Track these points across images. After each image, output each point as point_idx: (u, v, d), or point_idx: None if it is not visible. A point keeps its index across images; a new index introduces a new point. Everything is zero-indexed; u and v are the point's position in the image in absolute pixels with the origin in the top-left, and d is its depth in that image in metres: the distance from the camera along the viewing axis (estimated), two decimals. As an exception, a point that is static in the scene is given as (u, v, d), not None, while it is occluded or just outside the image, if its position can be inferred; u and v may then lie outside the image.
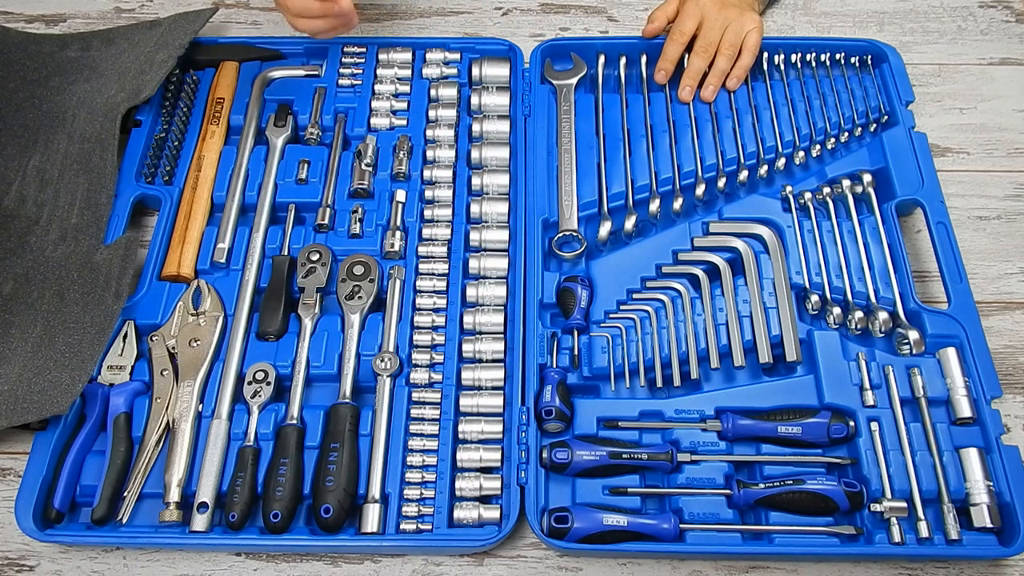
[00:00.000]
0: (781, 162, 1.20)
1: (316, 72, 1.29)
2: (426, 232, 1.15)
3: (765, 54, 1.29)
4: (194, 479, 0.97)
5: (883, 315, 1.05)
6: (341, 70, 1.28)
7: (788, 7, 1.44)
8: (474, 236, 1.15)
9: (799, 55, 1.30)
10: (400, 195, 1.17)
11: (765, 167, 1.21)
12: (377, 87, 1.28)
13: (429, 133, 1.24)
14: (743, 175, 1.19)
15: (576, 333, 1.07)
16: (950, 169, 1.25)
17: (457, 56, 1.31)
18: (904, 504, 0.94)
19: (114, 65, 1.28)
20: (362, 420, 1.01)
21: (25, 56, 1.29)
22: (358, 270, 1.10)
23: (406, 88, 1.28)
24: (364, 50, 1.31)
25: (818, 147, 1.22)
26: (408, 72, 1.29)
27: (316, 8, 1.14)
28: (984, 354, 1.03)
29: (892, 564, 0.97)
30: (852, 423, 0.99)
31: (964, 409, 0.99)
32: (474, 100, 1.26)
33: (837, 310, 1.07)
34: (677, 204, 1.17)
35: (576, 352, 1.06)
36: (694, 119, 1.24)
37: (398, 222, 1.15)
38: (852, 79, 1.27)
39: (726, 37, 1.25)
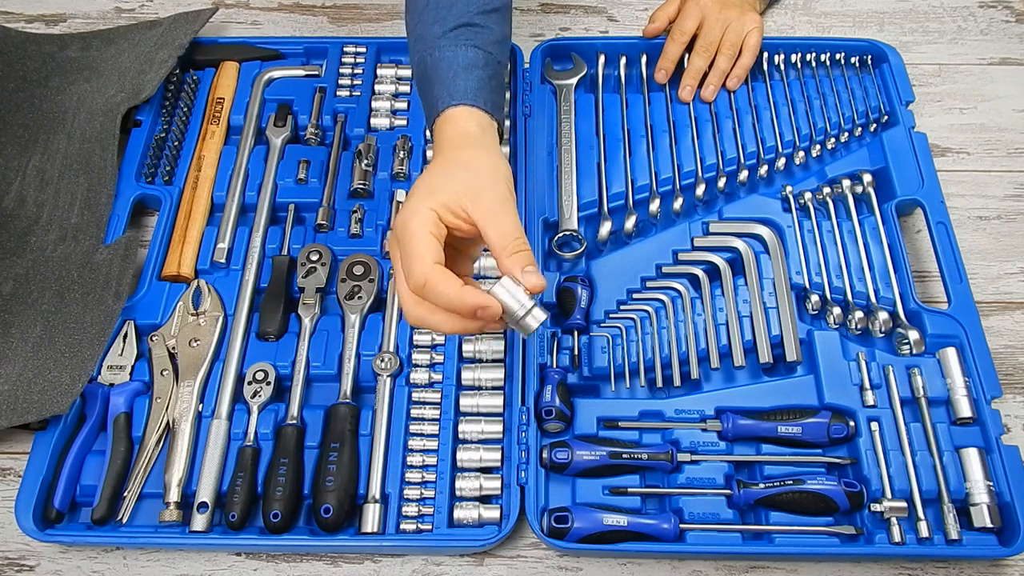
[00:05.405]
0: (781, 162, 1.20)
1: (316, 72, 1.29)
2: (426, 232, 1.15)
3: (765, 54, 1.29)
4: (194, 479, 0.97)
5: (883, 315, 1.05)
6: (341, 70, 1.28)
7: (788, 7, 1.44)
8: (474, 236, 1.15)
9: (799, 55, 1.30)
10: (400, 195, 1.17)
11: (765, 167, 1.20)
12: (377, 87, 1.28)
13: (429, 133, 1.24)
14: (743, 175, 1.19)
15: (576, 333, 1.06)
16: (950, 169, 1.25)
17: (457, 56, 1.31)
18: (904, 504, 0.94)
19: (114, 65, 1.28)
20: (362, 420, 1.01)
21: (25, 56, 1.29)
22: (358, 270, 1.10)
23: (406, 88, 1.28)
24: (364, 50, 1.31)
25: (818, 147, 1.22)
26: (408, 72, 1.29)
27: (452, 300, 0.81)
28: (984, 354, 1.03)
29: (892, 564, 0.97)
30: (852, 423, 0.99)
31: (964, 409, 0.99)
32: (474, 100, 1.26)
33: (837, 310, 1.07)
34: (677, 204, 1.17)
35: (576, 352, 1.06)
36: (694, 119, 1.24)
37: (398, 222, 1.15)
38: (852, 79, 1.27)
39: (727, 37, 1.25)
